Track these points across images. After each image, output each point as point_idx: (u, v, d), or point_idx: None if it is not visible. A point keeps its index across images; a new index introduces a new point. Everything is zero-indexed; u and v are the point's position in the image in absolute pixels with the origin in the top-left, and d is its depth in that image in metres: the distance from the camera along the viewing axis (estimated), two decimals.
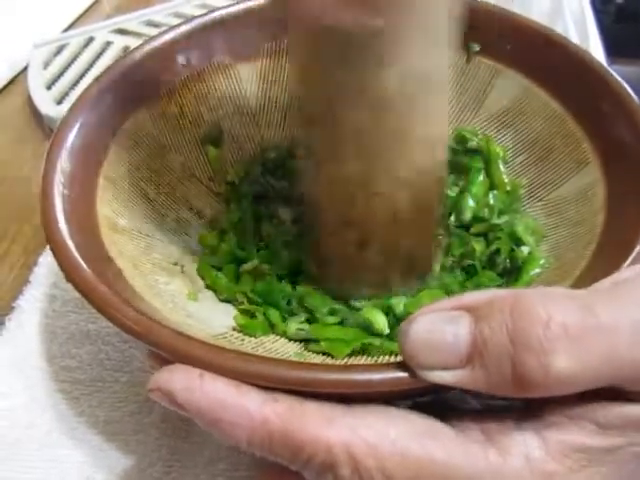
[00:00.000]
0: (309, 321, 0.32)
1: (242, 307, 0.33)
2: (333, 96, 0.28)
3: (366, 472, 0.22)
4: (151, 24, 0.58)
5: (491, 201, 0.36)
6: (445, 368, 0.22)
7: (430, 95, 0.28)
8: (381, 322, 0.31)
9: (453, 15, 0.27)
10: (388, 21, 0.25)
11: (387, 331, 0.31)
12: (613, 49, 0.51)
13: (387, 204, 0.30)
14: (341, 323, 0.32)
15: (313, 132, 0.30)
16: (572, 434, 0.22)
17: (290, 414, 0.23)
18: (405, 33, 0.26)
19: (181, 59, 0.37)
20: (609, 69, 0.34)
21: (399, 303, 0.33)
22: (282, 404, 0.23)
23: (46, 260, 0.40)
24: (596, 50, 0.52)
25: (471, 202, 0.36)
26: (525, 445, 0.22)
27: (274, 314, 0.33)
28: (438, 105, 0.30)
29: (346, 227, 0.31)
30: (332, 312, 0.33)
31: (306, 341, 0.32)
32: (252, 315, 0.33)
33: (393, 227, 0.31)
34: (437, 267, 0.35)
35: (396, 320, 0.32)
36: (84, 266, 0.27)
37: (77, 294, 0.27)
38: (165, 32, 0.37)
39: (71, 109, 0.33)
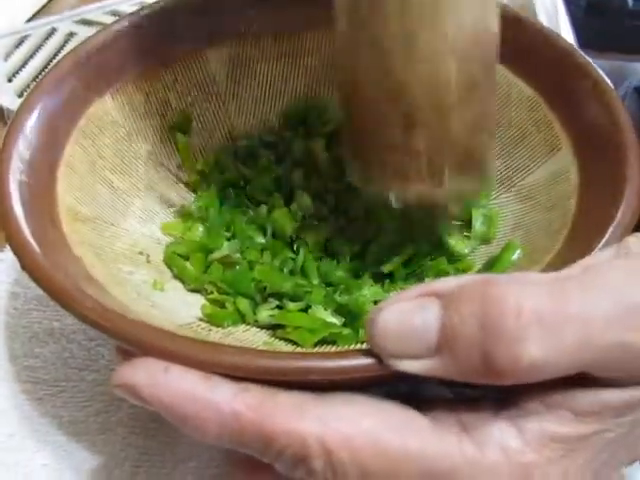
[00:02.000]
0: (280, 308, 0.32)
1: (211, 297, 0.32)
2: None
3: (339, 464, 0.21)
4: (116, 14, 0.56)
5: None
6: (414, 357, 0.22)
7: None
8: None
9: None
10: None
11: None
12: (584, 41, 0.52)
13: (434, 73, 0.28)
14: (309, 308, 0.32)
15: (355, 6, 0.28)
16: (549, 423, 0.22)
17: (261, 405, 0.22)
18: None
19: (147, 43, 0.36)
20: (581, 52, 0.34)
21: None
22: (253, 395, 0.22)
23: (7, 256, 0.39)
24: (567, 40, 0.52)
25: None
26: (502, 436, 0.22)
27: (243, 303, 0.32)
28: None
29: (389, 102, 0.29)
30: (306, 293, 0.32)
31: (275, 329, 0.31)
32: (222, 305, 0.32)
33: (443, 103, 0.28)
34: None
35: None
36: (40, 254, 0.26)
37: (40, 292, 0.26)
38: (130, 15, 0.36)
39: (30, 93, 0.32)
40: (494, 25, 0.29)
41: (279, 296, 0.32)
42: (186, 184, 0.38)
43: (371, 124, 0.30)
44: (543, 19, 0.50)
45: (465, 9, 0.27)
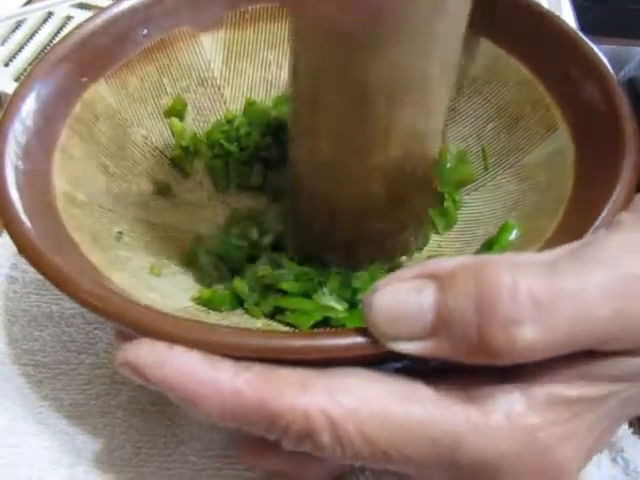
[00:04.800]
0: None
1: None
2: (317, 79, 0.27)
3: (346, 437, 0.22)
4: None
5: None
6: (410, 338, 0.22)
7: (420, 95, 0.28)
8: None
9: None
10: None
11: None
12: (586, 25, 0.51)
13: (360, 188, 0.30)
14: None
15: (299, 109, 0.30)
16: (554, 387, 0.22)
17: (264, 382, 0.22)
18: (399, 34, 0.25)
19: (141, 28, 0.36)
20: (579, 33, 0.34)
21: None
22: (254, 372, 0.22)
23: (5, 241, 0.39)
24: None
25: None
26: (506, 401, 0.22)
27: (241, 285, 0.32)
28: (432, 102, 0.29)
29: (318, 200, 0.31)
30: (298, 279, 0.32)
31: (273, 315, 0.31)
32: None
33: (363, 212, 0.31)
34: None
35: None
36: (38, 239, 0.26)
37: (38, 276, 0.26)
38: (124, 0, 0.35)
39: (25, 79, 0.31)
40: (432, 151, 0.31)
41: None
42: (181, 170, 0.38)
43: (304, 209, 0.33)
44: (544, 2, 0.50)
45: (396, 148, 0.29)
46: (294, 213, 0.34)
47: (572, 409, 0.22)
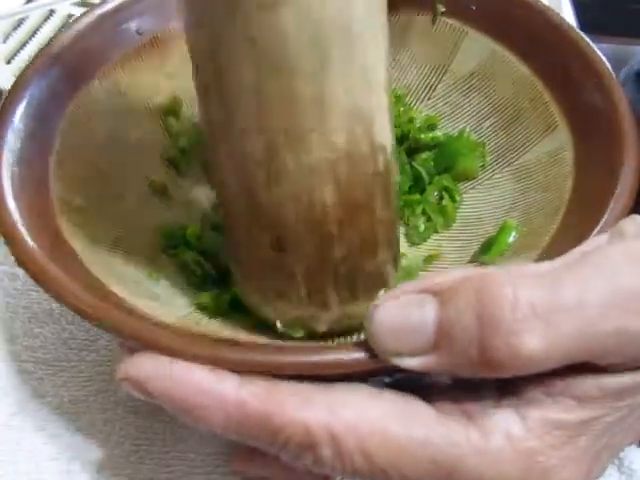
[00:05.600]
0: None
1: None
2: (217, 49, 0.23)
3: (346, 452, 0.22)
4: None
5: None
6: (412, 354, 0.22)
7: (349, 49, 0.23)
8: None
9: None
10: None
11: None
12: (587, 24, 0.51)
13: (304, 196, 0.25)
14: None
15: (207, 102, 0.25)
16: (551, 411, 0.22)
17: (267, 395, 0.22)
18: None
19: (134, 25, 0.35)
20: (577, 30, 0.33)
21: None
22: (258, 385, 0.22)
23: None
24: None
25: None
26: (506, 424, 0.22)
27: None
28: (365, 63, 0.24)
29: (258, 223, 0.26)
30: None
31: None
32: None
33: (316, 228, 0.25)
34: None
35: None
36: (37, 252, 0.26)
37: None
38: None
39: (18, 80, 0.31)
40: (382, 136, 0.25)
41: None
42: (177, 170, 0.37)
43: (242, 240, 0.28)
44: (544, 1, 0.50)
45: (337, 127, 0.24)
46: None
47: (567, 433, 0.22)
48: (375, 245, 0.27)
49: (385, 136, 0.26)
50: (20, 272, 0.38)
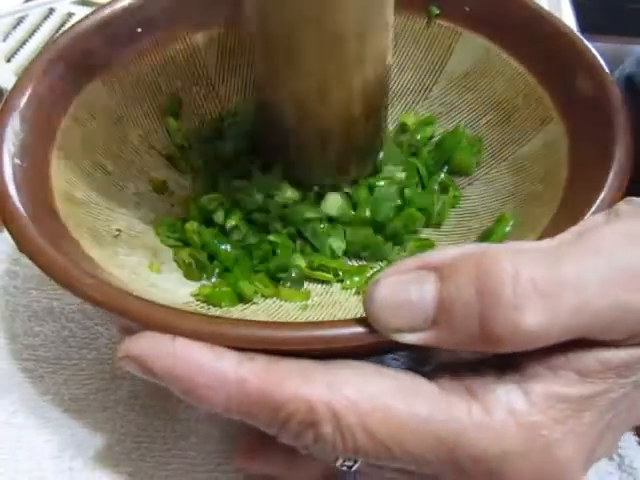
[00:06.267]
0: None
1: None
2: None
3: (348, 429, 0.22)
4: None
5: None
6: (412, 329, 0.22)
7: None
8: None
9: None
10: None
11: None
12: (585, 23, 0.51)
13: (344, 108, 0.32)
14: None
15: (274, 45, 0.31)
16: (554, 384, 0.22)
17: (268, 373, 0.22)
18: None
19: (136, 27, 0.36)
20: (567, 25, 0.34)
21: None
22: (258, 362, 0.22)
23: (5, 236, 0.39)
24: (569, 24, 0.51)
25: None
26: (508, 398, 0.22)
27: (246, 286, 0.32)
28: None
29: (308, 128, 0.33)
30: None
31: None
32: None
33: (350, 127, 0.33)
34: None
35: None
36: (40, 237, 0.26)
37: (39, 271, 0.26)
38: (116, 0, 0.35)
39: (21, 78, 0.32)
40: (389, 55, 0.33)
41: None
42: (177, 168, 0.38)
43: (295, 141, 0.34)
44: (544, 3, 0.50)
45: (370, 68, 0.32)
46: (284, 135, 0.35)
47: (571, 407, 0.22)
48: (377, 132, 0.36)
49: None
50: (20, 270, 0.38)
